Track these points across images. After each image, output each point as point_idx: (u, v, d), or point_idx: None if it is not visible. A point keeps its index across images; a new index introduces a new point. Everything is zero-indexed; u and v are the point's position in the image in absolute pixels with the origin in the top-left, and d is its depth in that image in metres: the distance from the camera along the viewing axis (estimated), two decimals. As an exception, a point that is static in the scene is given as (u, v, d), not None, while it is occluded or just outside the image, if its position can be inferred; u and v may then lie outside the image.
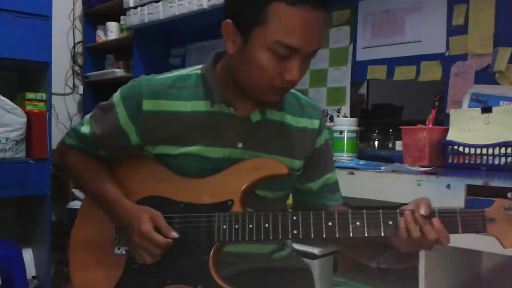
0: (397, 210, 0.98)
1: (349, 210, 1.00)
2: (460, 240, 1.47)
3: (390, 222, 0.98)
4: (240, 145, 1.11)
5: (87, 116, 1.21)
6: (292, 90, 1.22)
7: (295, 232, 1.01)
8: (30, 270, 2.91)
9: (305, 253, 1.93)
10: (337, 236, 0.99)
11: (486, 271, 1.89)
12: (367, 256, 1.93)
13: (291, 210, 1.23)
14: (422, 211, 0.96)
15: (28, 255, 2.93)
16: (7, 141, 2.64)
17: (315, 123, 1.22)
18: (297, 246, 1.97)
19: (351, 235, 0.98)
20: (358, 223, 0.99)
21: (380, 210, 0.99)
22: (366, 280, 1.90)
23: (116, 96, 1.15)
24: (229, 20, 1.02)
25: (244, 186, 1.06)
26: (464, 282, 1.78)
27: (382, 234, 0.98)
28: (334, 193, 1.26)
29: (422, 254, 1.57)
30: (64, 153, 1.23)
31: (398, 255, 1.93)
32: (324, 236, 1.00)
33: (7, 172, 2.64)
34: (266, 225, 1.02)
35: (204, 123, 1.10)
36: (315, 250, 1.95)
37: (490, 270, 1.88)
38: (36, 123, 2.77)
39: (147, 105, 1.09)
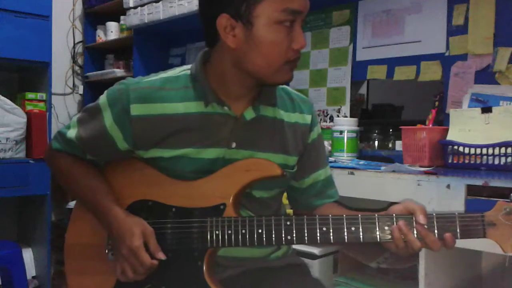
0: (393, 216, 0.96)
1: (344, 215, 0.98)
2: (460, 240, 1.48)
3: (386, 228, 0.96)
4: (233, 145, 1.09)
5: (74, 119, 1.16)
6: (283, 85, 1.21)
7: (289, 237, 0.99)
8: (30, 270, 2.91)
9: (305, 253, 1.93)
10: (331, 242, 0.97)
11: (486, 271, 1.89)
12: (367, 256, 1.92)
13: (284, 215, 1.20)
14: (421, 220, 0.94)
15: (28, 255, 2.93)
16: (7, 141, 2.64)
17: (307, 118, 1.20)
18: (297, 246, 1.97)
19: (346, 241, 0.96)
20: (353, 228, 0.97)
21: (376, 215, 0.97)
22: (366, 280, 1.90)
23: (103, 99, 1.11)
24: (224, 14, 1.00)
25: (236, 190, 1.04)
26: (464, 282, 1.78)
27: (378, 240, 0.96)
28: (327, 189, 1.24)
29: (422, 254, 1.57)
30: (52, 157, 1.20)
31: (398, 255, 1.93)
32: (319, 242, 0.98)
33: (7, 172, 2.64)
34: (259, 231, 1.00)
35: (197, 125, 1.07)
36: (315, 250, 1.95)
37: (490, 270, 1.88)
38: (36, 123, 2.77)
39: (136, 109, 1.06)
